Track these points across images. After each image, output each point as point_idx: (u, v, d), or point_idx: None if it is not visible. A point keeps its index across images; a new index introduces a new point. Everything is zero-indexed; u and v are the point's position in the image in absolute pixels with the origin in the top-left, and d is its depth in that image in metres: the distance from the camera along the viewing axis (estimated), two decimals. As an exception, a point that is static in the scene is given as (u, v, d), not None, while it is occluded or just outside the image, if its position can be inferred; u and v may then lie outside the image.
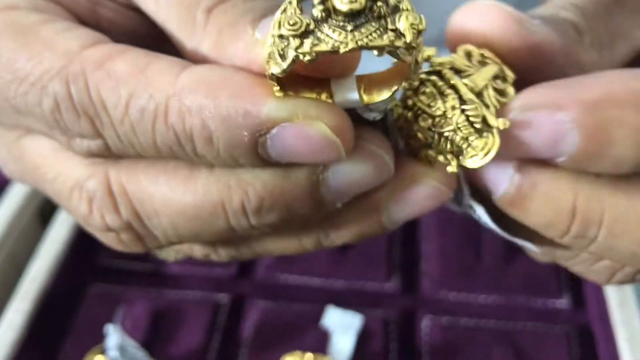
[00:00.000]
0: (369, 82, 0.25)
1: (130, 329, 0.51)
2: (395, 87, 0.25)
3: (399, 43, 0.23)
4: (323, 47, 0.22)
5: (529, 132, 0.25)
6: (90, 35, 0.28)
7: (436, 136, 0.26)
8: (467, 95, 0.26)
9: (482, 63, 0.27)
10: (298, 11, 0.23)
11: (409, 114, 0.27)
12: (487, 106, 0.26)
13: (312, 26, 0.23)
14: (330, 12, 0.23)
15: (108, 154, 0.28)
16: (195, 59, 0.27)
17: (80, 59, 0.26)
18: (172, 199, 0.27)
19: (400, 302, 0.55)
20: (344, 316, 0.52)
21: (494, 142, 0.25)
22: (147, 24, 0.30)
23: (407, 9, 0.23)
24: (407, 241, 0.59)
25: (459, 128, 0.25)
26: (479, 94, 0.26)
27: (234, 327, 0.53)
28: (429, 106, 0.26)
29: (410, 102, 0.27)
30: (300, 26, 0.22)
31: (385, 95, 0.25)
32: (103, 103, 0.26)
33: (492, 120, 0.25)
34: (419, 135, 0.27)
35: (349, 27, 0.22)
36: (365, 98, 0.25)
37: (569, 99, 0.24)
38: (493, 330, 0.52)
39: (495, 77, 0.27)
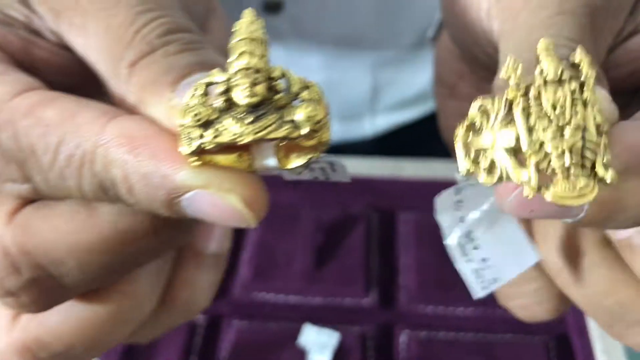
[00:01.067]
0: (288, 149, 0.26)
1: (105, 352, 0.50)
2: (310, 155, 0.25)
3: (295, 135, 0.23)
4: (223, 139, 0.23)
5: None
6: (22, 81, 0.28)
7: (538, 143, 0.23)
8: (591, 125, 0.23)
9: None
10: (202, 99, 0.24)
11: (524, 103, 0.24)
12: (599, 153, 0.23)
13: (214, 116, 0.24)
14: (232, 103, 0.24)
15: (37, 198, 0.28)
16: (124, 108, 0.28)
17: (10, 107, 0.27)
18: (80, 238, 0.28)
19: (377, 317, 0.54)
20: (320, 334, 0.51)
21: (592, 192, 0.23)
22: (81, 63, 0.30)
23: (308, 99, 0.24)
24: (384, 254, 0.59)
25: (570, 152, 0.23)
26: (599, 133, 0.24)
27: (211, 348, 0.52)
28: (554, 108, 0.23)
29: (533, 91, 0.24)
30: (202, 117, 0.23)
31: (301, 161, 0.25)
32: (33, 149, 0.26)
33: (600, 168, 0.23)
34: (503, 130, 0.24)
35: (249, 119, 0.23)
36: (284, 163, 0.26)
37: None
38: (471, 342, 0.52)
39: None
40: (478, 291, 0.32)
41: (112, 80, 0.28)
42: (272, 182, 0.60)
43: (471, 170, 0.25)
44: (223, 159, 0.25)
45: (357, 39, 0.75)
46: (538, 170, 0.23)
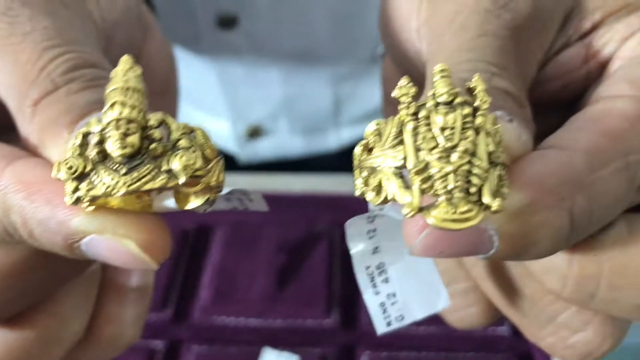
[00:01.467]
0: (198, 190, 0.25)
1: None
2: (207, 196, 0.25)
3: (172, 184, 0.23)
4: (97, 192, 0.23)
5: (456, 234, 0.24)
6: None
7: (423, 164, 0.22)
8: (482, 152, 0.23)
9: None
10: (78, 150, 0.23)
11: (413, 123, 0.23)
12: (487, 179, 0.23)
13: (89, 168, 0.23)
14: (107, 154, 0.23)
15: None
16: (28, 146, 0.28)
17: None
18: None
19: (339, 338, 0.54)
20: (279, 357, 0.51)
21: (475, 217, 0.22)
22: None
23: (186, 147, 0.24)
24: (347, 273, 0.58)
25: (455, 175, 0.22)
26: (490, 162, 0.23)
27: (170, 375, 0.51)
28: (443, 130, 0.23)
29: (424, 112, 0.23)
30: (76, 169, 0.23)
31: (199, 202, 0.25)
32: None
33: (487, 196, 0.22)
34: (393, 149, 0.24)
35: (123, 170, 0.23)
36: (182, 204, 0.25)
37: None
38: (434, 362, 0.51)
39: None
40: (382, 326, 0.31)
41: (18, 119, 0.28)
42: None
43: (362, 190, 0.24)
44: (119, 201, 0.25)
45: (314, 54, 0.74)
46: (422, 191, 0.22)
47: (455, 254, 0.25)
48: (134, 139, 0.23)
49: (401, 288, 0.31)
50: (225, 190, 0.28)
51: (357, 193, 0.24)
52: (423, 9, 0.34)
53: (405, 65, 0.37)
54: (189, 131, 0.24)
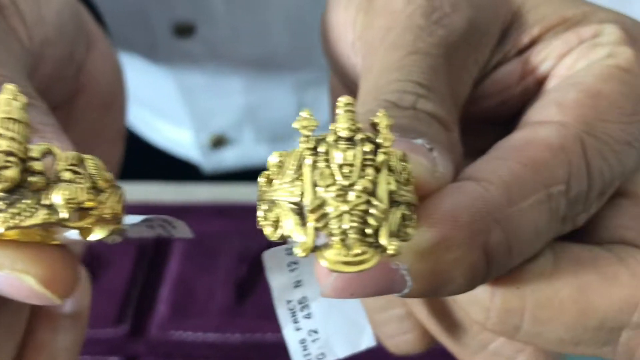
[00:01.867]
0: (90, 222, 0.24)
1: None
2: (111, 227, 0.24)
3: (54, 219, 0.22)
4: None
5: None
6: None
7: (319, 201, 0.21)
8: (382, 192, 0.21)
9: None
10: None
11: (311, 157, 0.22)
12: (385, 220, 0.21)
13: None
14: None
15: None
16: None
17: None
18: None
19: (300, 352, 0.52)
20: (238, 373, 0.49)
21: (370, 260, 0.21)
22: None
23: (70, 179, 0.23)
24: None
25: (351, 214, 0.21)
26: (392, 202, 0.22)
27: (126, 392, 0.50)
28: (342, 167, 0.21)
29: (323, 147, 0.22)
30: None
31: (104, 233, 0.24)
32: None
33: (384, 238, 0.21)
34: (287, 188, 0.23)
35: (1, 206, 0.22)
36: (85, 235, 0.24)
37: (405, 247, 0.22)
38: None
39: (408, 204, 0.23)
40: None
41: None
42: (198, 211, 0.58)
43: (261, 223, 0.23)
44: (15, 232, 0.23)
45: (274, 61, 0.74)
46: (316, 230, 0.21)
47: (367, 294, 0.24)
48: (12, 172, 0.22)
49: (324, 325, 0.30)
50: (137, 219, 0.27)
51: (258, 226, 0.23)
52: (358, 22, 0.33)
53: (344, 77, 0.36)
54: (79, 161, 0.23)
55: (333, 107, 0.43)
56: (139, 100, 0.75)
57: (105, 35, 0.43)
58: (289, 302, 0.30)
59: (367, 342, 0.31)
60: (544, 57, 0.31)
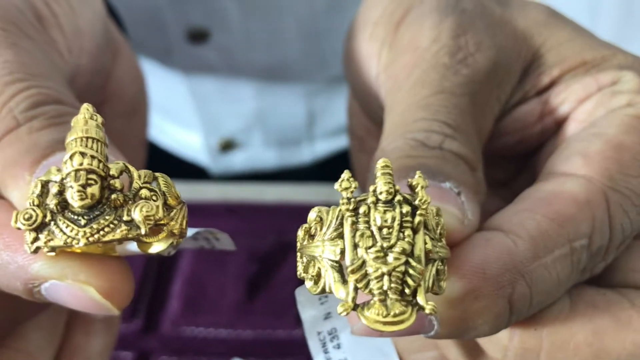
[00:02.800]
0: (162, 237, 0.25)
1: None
2: (170, 241, 0.25)
3: (132, 235, 0.23)
4: (57, 242, 0.23)
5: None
6: None
7: (360, 262, 0.22)
8: (419, 252, 0.23)
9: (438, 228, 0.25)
10: (37, 200, 0.23)
11: (352, 218, 0.23)
12: (422, 279, 0.23)
13: (48, 218, 0.23)
14: (67, 203, 0.23)
15: None
16: None
17: None
18: None
19: (309, 349, 0.53)
20: (249, 368, 0.50)
21: (408, 320, 0.22)
22: None
23: (147, 197, 0.24)
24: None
25: (391, 276, 0.22)
26: (428, 260, 0.23)
27: (138, 386, 0.51)
28: (381, 229, 0.23)
29: (364, 208, 0.23)
30: (35, 219, 0.23)
31: (162, 247, 0.25)
32: None
33: (422, 298, 0.22)
34: (335, 244, 0.24)
35: (82, 222, 0.23)
36: (145, 248, 0.25)
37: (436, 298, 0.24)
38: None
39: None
40: None
41: None
42: (208, 210, 0.59)
43: (302, 275, 0.24)
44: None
45: (286, 69, 0.75)
46: (356, 289, 0.22)
47: (396, 335, 0.25)
48: (94, 189, 0.23)
49: (353, 355, 0.31)
50: (191, 232, 0.28)
51: (299, 276, 0.25)
52: (383, 56, 0.34)
53: (366, 105, 0.37)
54: (152, 179, 0.25)
55: (351, 130, 0.44)
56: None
57: (128, 42, 0.44)
58: (319, 333, 0.31)
59: None
60: (562, 100, 0.32)
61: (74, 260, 0.24)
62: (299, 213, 0.64)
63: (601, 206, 0.27)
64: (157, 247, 0.25)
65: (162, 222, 0.24)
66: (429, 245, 0.23)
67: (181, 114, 0.81)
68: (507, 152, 0.34)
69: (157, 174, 0.25)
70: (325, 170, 0.84)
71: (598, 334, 0.27)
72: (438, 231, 0.24)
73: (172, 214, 0.24)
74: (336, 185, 0.23)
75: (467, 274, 0.24)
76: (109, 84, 0.40)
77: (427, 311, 0.22)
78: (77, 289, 0.24)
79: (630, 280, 0.29)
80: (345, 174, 0.23)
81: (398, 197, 0.23)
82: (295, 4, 0.69)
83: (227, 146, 0.82)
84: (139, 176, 0.24)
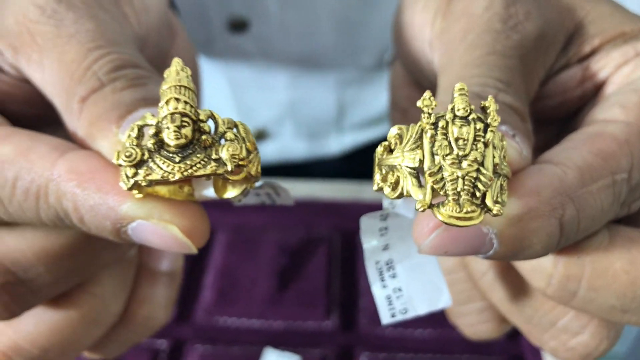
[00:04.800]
0: (224, 181, 0.28)
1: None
2: (244, 187, 0.28)
3: (220, 171, 0.26)
4: (154, 176, 0.25)
5: (458, 234, 0.27)
6: None
7: (437, 167, 0.25)
8: (488, 163, 0.26)
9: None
10: (135, 141, 0.26)
11: (432, 131, 0.26)
12: (490, 186, 0.25)
13: (146, 156, 0.26)
14: (162, 144, 0.26)
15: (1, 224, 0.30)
16: (76, 139, 0.30)
17: None
18: (44, 245, 0.30)
19: (338, 340, 0.55)
20: (281, 357, 0.52)
21: (478, 218, 0.25)
22: (42, 95, 0.32)
23: (231, 139, 0.26)
24: (346, 277, 0.60)
25: (464, 179, 0.25)
26: (494, 172, 0.26)
27: (173, 373, 0.53)
28: (457, 140, 0.26)
29: (442, 123, 0.26)
30: (135, 157, 0.25)
31: (237, 192, 0.28)
32: None
33: (490, 201, 0.25)
34: (414, 152, 0.26)
35: (177, 159, 0.25)
36: (220, 193, 0.28)
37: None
38: (430, 364, 0.53)
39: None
40: (386, 317, 0.33)
41: (66, 114, 0.30)
42: (237, 205, 0.60)
43: (380, 186, 0.27)
44: (165, 190, 0.27)
45: (319, 59, 0.76)
46: (433, 190, 0.25)
47: (460, 253, 0.27)
48: (187, 131, 0.26)
49: (407, 284, 0.33)
50: (260, 182, 0.30)
51: (375, 188, 0.27)
52: (437, 23, 0.36)
53: (415, 72, 0.39)
54: (233, 126, 0.27)
55: (393, 101, 0.46)
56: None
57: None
58: (377, 262, 0.33)
59: (444, 302, 0.34)
60: (602, 66, 0.34)
61: (159, 202, 0.27)
62: (326, 209, 0.66)
63: (638, 145, 0.29)
64: (231, 192, 0.28)
65: (243, 162, 0.26)
66: (497, 159, 0.26)
67: (218, 103, 0.82)
68: (548, 114, 0.36)
69: (237, 122, 0.27)
70: (353, 162, 0.86)
71: (635, 264, 0.29)
72: (502, 153, 0.26)
73: (250, 157, 0.27)
74: (418, 102, 0.26)
75: (524, 196, 0.26)
76: (168, 62, 0.42)
77: (494, 212, 0.25)
78: (161, 228, 0.27)
79: None
80: (427, 93, 0.26)
81: (473, 115, 0.26)
82: None
83: (260, 136, 0.84)
84: (223, 122, 0.27)
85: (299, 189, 0.68)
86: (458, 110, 0.26)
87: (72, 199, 0.27)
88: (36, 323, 0.34)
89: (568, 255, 0.30)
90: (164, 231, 0.27)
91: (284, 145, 0.85)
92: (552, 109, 0.36)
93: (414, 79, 0.42)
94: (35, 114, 0.34)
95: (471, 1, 0.35)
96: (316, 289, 0.58)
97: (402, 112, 0.45)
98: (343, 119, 0.83)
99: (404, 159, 0.26)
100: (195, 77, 0.47)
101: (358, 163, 0.85)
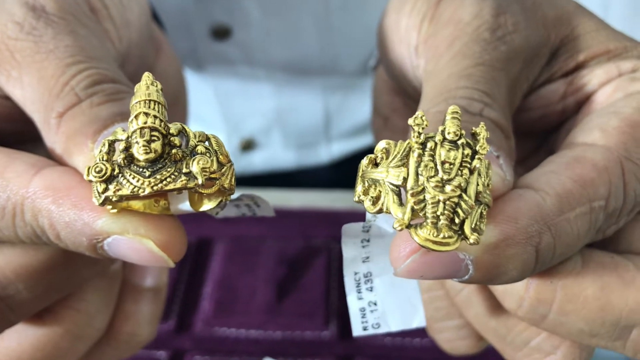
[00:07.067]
0: (200, 194, 0.28)
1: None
2: (220, 199, 0.28)
3: (191, 185, 0.26)
4: (124, 192, 0.26)
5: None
6: None
7: (420, 188, 0.26)
8: (471, 190, 0.26)
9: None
10: (105, 156, 0.26)
11: (419, 151, 0.26)
12: (470, 214, 0.26)
13: (116, 171, 0.26)
14: (132, 159, 0.26)
15: None
16: (54, 155, 0.30)
17: None
18: (24, 263, 0.30)
19: (337, 350, 0.55)
20: (281, 368, 0.52)
21: (454, 244, 0.25)
22: (23, 112, 0.32)
23: (203, 152, 0.27)
24: (344, 287, 0.60)
25: (445, 204, 0.25)
26: (476, 200, 0.26)
27: (173, 384, 0.53)
28: (443, 164, 0.26)
29: (431, 144, 0.26)
30: (105, 172, 0.26)
31: (212, 205, 0.28)
32: None
33: (467, 229, 0.25)
34: (403, 171, 0.26)
35: (147, 173, 0.26)
36: (196, 207, 0.28)
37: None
38: (428, 373, 0.53)
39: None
40: (358, 329, 0.34)
41: (44, 130, 0.30)
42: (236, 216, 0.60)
43: (360, 198, 0.27)
44: (140, 204, 0.28)
45: (303, 65, 0.77)
46: (413, 210, 0.25)
47: (435, 277, 0.28)
48: (157, 145, 0.26)
49: (383, 299, 0.34)
50: (236, 195, 0.30)
51: (355, 199, 0.27)
52: (424, 28, 0.36)
53: (399, 77, 0.40)
54: (205, 139, 0.27)
55: (375, 106, 0.47)
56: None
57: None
58: (356, 273, 0.33)
59: (418, 321, 0.34)
60: (586, 82, 0.35)
61: (134, 216, 0.27)
62: (324, 218, 0.67)
63: (617, 173, 0.29)
64: (207, 205, 0.28)
65: (215, 175, 0.26)
66: (480, 188, 0.26)
67: (206, 114, 0.83)
68: (528, 127, 0.37)
69: (209, 135, 0.27)
70: (342, 170, 0.86)
71: (605, 290, 0.30)
72: (487, 181, 0.27)
73: (223, 169, 0.27)
74: (410, 120, 0.26)
75: (502, 222, 0.27)
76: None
77: (471, 240, 0.25)
78: (137, 242, 0.27)
79: (634, 248, 0.32)
80: (419, 112, 0.26)
81: (462, 140, 0.26)
82: (311, 1, 0.71)
83: (248, 146, 0.84)
84: (195, 135, 0.27)
85: (294, 199, 0.69)
86: (449, 133, 0.26)
87: (48, 215, 0.27)
88: (19, 339, 0.34)
89: (540, 279, 0.30)
90: (139, 245, 0.27)
91: (273, 155, 0.86)
92: (533, 121, 0.37)
93: (397, 84, 0.42)
94: (15, 131, 0.34)
95: (460, 7, 0.35)
96: (315, 299, 0.58)
97: (384, 119, 0.45)
98: (330, 127, 0.84)
99: (388, 174, 0.27)
100: (182, 89, 0.48)
101: (347, 172, 0.85)
